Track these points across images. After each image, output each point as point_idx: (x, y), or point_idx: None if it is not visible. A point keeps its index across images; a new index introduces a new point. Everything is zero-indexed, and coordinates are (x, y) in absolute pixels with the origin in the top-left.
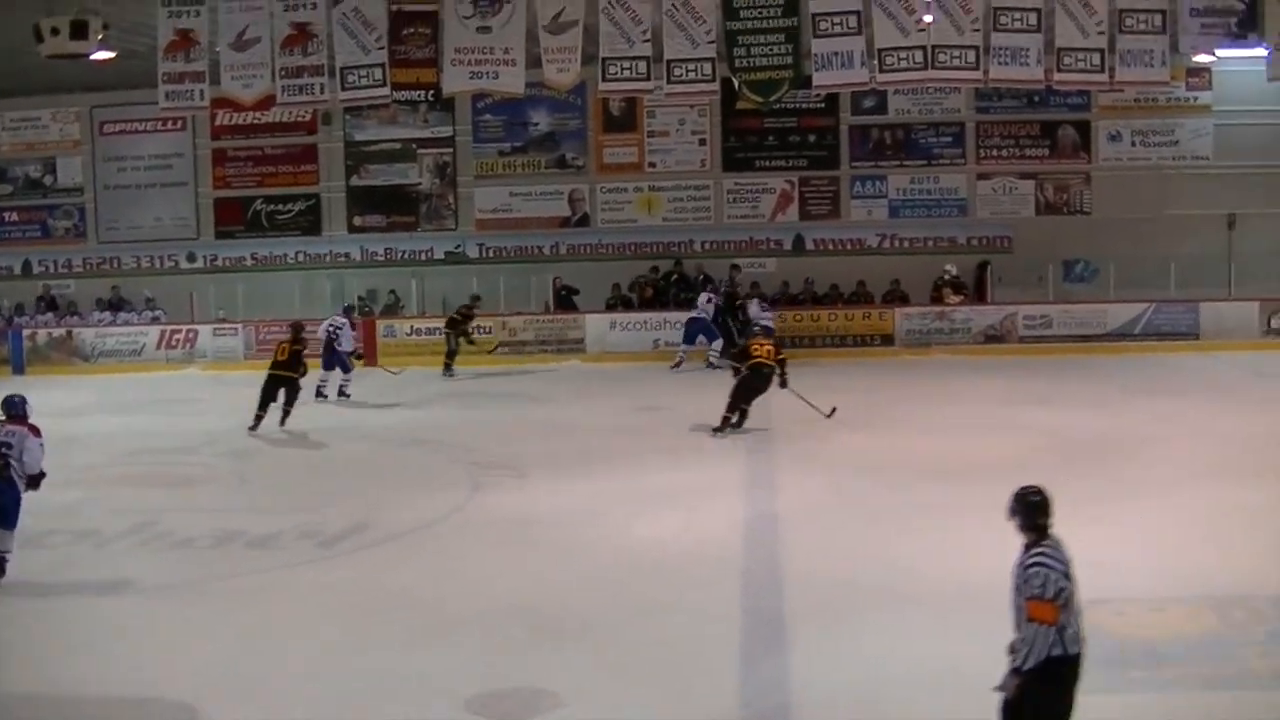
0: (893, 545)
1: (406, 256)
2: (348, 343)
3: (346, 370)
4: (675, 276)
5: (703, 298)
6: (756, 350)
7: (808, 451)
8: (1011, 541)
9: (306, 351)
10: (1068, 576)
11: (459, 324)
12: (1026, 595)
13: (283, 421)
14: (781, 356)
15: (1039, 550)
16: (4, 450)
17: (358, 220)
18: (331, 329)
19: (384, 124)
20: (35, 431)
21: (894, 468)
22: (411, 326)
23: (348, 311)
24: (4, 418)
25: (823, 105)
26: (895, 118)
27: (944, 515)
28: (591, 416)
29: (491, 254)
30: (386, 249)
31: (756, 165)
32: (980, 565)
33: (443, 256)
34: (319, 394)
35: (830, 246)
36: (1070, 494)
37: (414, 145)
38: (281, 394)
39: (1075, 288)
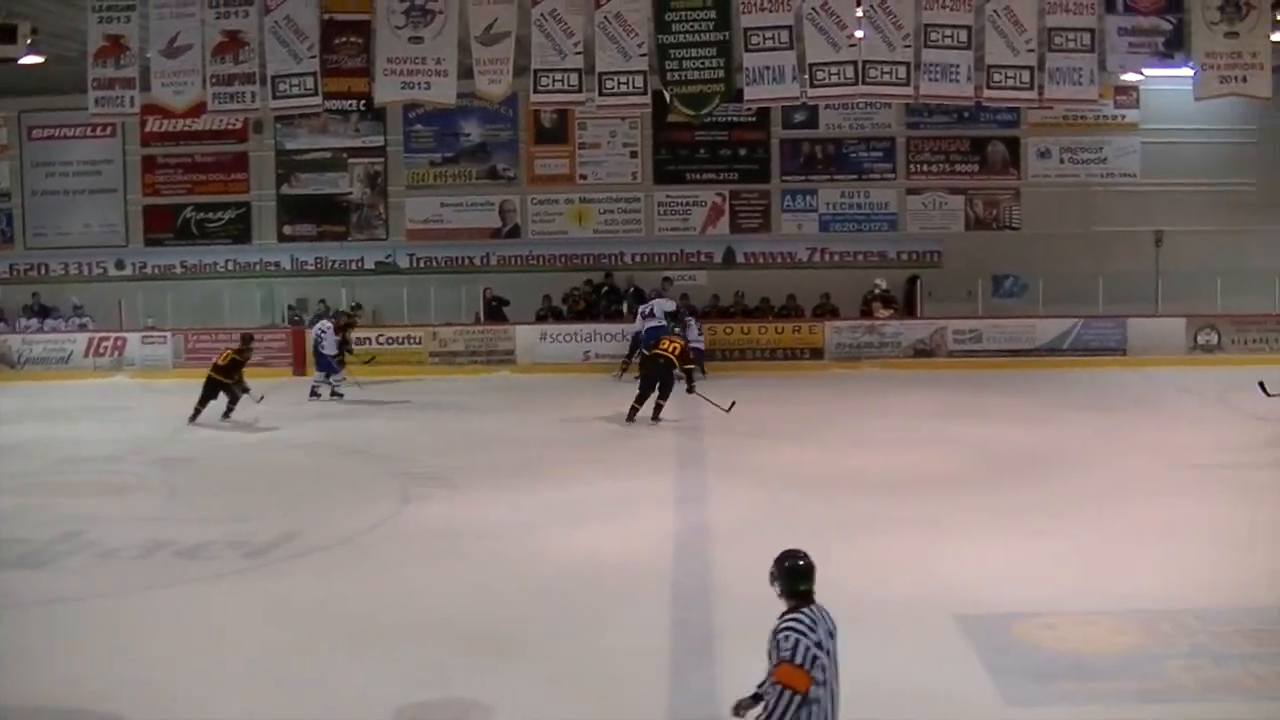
0: (821, 559)
1: (337, 266)
2: (331, 346)
3: (333, 371)
4: (606, 289)
5: (659, 305)
6: (664, 345)
7: (739, 464)
8: (940, 558)
9: (248, 363)
10: (821, 647)
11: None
12: (775, 659)
13: (225, 414)
14: (689, 366)
15: (793, 615)
16: None
17: (288, 229)
18: (318, 333)
19: (315, 133)
20: None
21: (825, 481)
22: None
23: (335, 316)
24: None
25: (754, 119)
26: (826, 132)
27: (873, 529)
28: (523, 428)
29: (422, 264)
30: (317, 258)
31: (687, 178)
32: (907, 579)
33: (373, 266)
34: (313, 393)
35: (761, 260)
36: (1003, 507)
37: (345, 155)
38: (222, 395)
39: (1005, 303)
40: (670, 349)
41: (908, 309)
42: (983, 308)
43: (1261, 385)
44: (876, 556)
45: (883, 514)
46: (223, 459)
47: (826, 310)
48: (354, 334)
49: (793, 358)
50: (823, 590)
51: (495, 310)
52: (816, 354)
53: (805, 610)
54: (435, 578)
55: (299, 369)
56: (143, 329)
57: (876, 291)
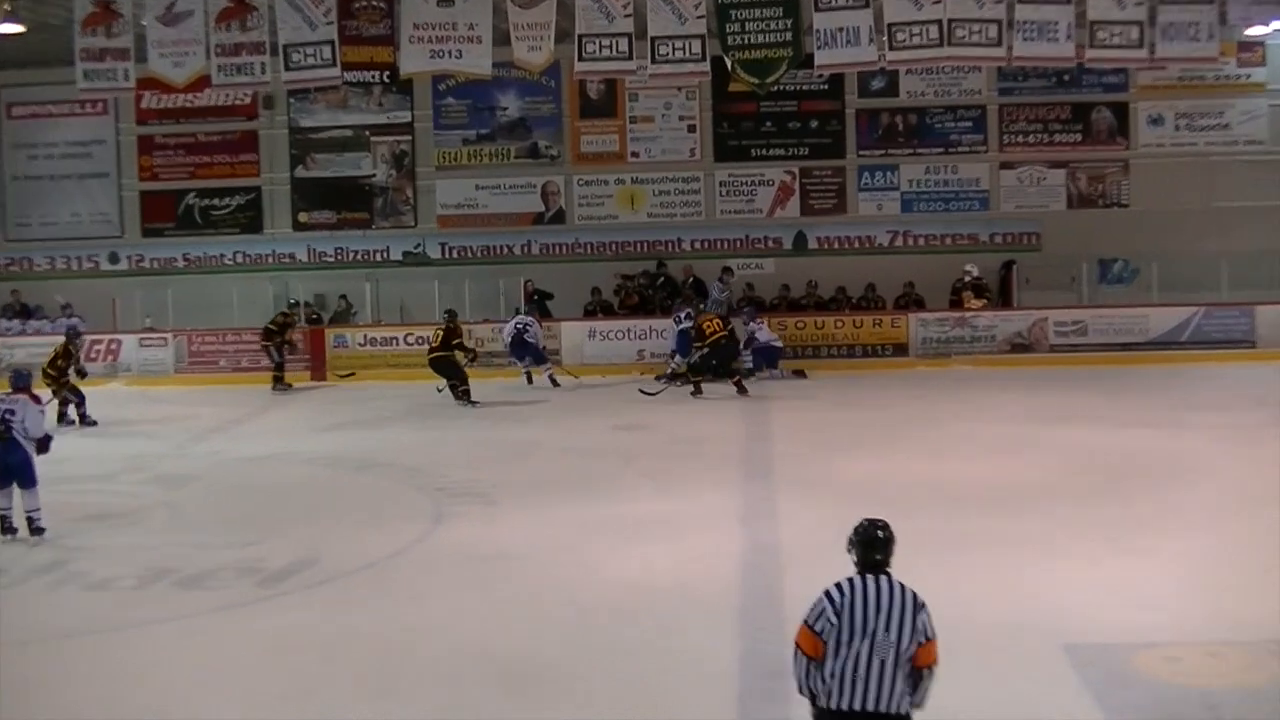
0: (910, 583)
1: (359, 257)
2: (537, 336)
3: (541, 360)
4: (661, 279)
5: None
6: (709, 327)
7: (811, 477)
8: (1044, 580)
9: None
10: (840, 615)
11: (274, 334)
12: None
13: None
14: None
15: (844, 580)
16: (7, 416)
17: (304, 217)
18: (520, 325)
19: (333, 109)
20: (36, 400)
21: (910, 495)
22: (365, 336)
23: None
24: (11, 389)
25: (826, 87)
26: (907, 101)
27: (967, 548)
28: (569, 436)
29: (455, 254)
30: (336, 249)
31: (752, 155)
32: (1007, 604)
33: (400, 257)
34: (529, 379)
35: (835, 245)
36: (1113, 523)
37: (367, 133)
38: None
39: (1112, 290)
40: (716, 326)
41: (1002, 298)
42: (1087, 296)
43: None
44: (971, 579)
45: (977, 531)
46: (230, 476)
47: (910, 301)
48: (295, 335)
49: (872, 354)
50: None
51: (538, 305)
52: (900, 350)
53: (857, 579)
54: (471, 606)
55: (317, 373)
56: (140, 331)
57: (967, 279)
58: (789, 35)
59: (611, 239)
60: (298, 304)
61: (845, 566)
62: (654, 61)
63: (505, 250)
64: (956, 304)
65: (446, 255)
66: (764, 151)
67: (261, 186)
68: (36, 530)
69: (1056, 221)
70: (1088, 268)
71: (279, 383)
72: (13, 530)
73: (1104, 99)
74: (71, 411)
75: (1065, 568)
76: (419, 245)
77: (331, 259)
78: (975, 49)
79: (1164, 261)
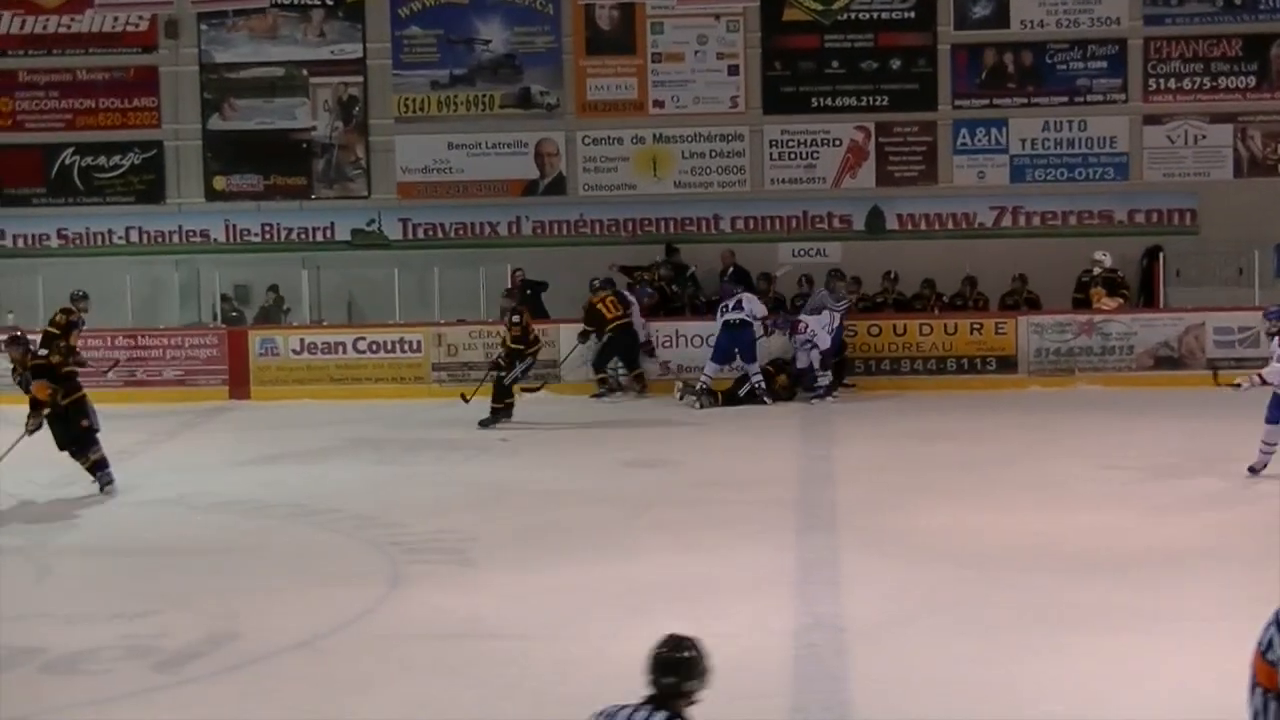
0: (1013, 673)
1: (294, 237)
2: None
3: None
4: (690, 271)
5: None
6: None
7: (886, 529)
8: (1190, 669)
9: None
10: None
11: (57, 337)
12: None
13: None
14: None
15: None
16: None
17: (220, 183)
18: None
19: (258, 39)
20: None
21: (1012, 555)
22: (301, 340)
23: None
24: None
25: (912, 15)
26: (1021, 33)
27: (1087, 626)
28: (565, 475)
29: (421, 233)
30: (264, 225)
31: (813, 105)
32: (1142, 697)
33: (349, 237)
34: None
35: (922, 225)
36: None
37: (304, 72)
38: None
39: None
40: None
41: (1144, 297)
42: (1261, 294)
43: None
44: (1092, 664)
45: (1101, 603)
46: (119, 526)
47: (1021, 300)
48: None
49: (970, 370)
50: (1005, 711)
51: (530, 301)
52: (1006, 365)
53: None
54: (437, 699)
55: (237, 389)
56: None
57: (1097, 271)
58: None
59: (626, 215)
60: (84, 295)
61: (926, 647)
62: None
63: (488, 229)
64: (1083, 304)
65: (409, 235)
66: (829, 101)
67: (163, 141)
68: None
69: (1220, 194)
70: (1261, 257)
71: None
72: None
73: None
74: None
75: (1218, 654)
76: (373, 222)
77: (257, 238)
78: None
79: None
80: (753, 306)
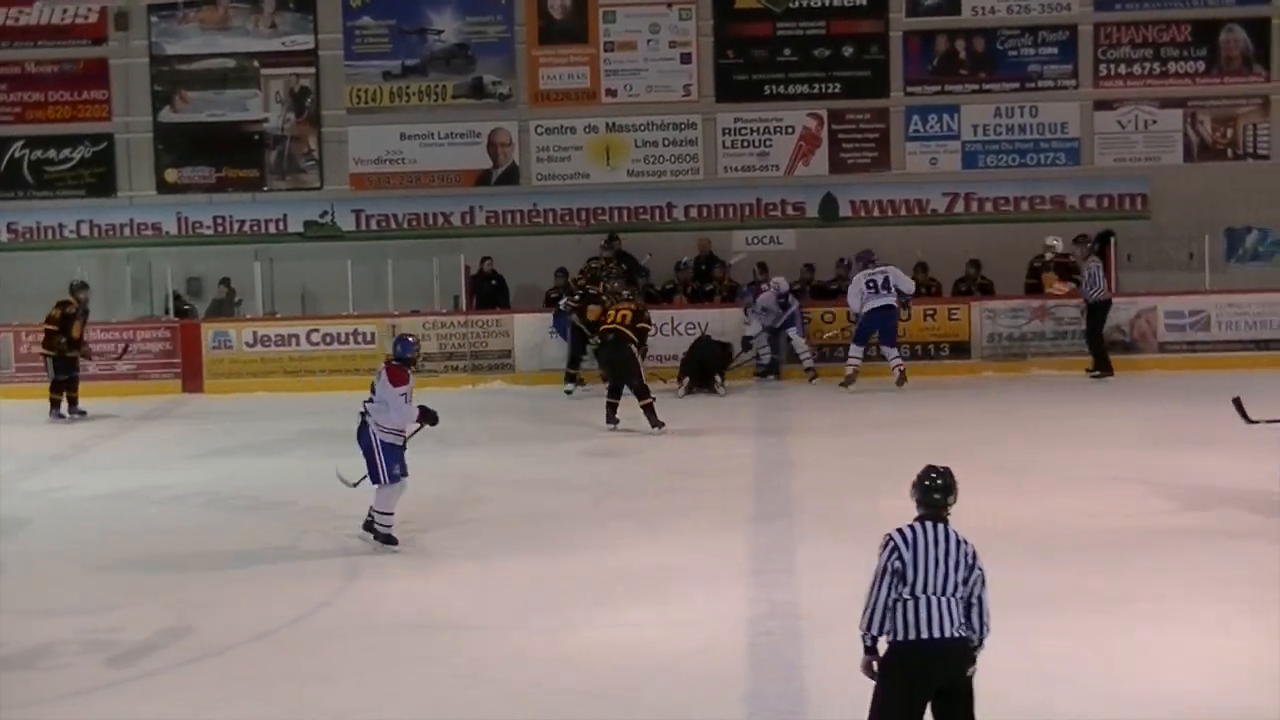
0: (984, 655)
1: (247, 229)
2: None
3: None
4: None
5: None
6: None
7: (844, 518)
8: (1152, 653)
9: None
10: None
11: (55, 333)
12: None
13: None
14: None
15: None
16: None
17: (172, 175)
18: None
19: (210, 31)
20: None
21: (977, 541)
22: (255, 333)
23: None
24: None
25: (864, 2)
26: (972, 20)
27: (1049, 611)
28: (525, 465)
29: (373, 225)
30: (216, 218)
31: (766, 93)
32: (1104, 684)
33: (301, 229)
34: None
35: (875, 211)
36: (1242, 578)
37: (255, 63)
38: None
39: (1245, 269)
40: (617, 318)
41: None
42: (1212, 278)
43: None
44: (1055, 651)
45: (1063, 589)
46: (74, 520)
47: (974, 285)
48: (80, 327)
49: (924, 356)
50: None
51: (485, 292)
52: (960, 350)
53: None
54: (399, 691)
55: (190, 382)
56: None
57: (1049, 256)
58: None
59: (580, 204)
60: (84, 284)
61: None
62: None
63: (440, 220)
64: (1035, 289)
65: (362, 226)
66: (782, 89)
67: (114, 134)
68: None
69: (1170, 179)
70: (1212, 241)
71: (65, 407)
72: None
73: (1237, 14)
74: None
75: (1185, 637)
76: (326, 213)
77: (209, 231)
78: None
79: None
80: (900, 282)
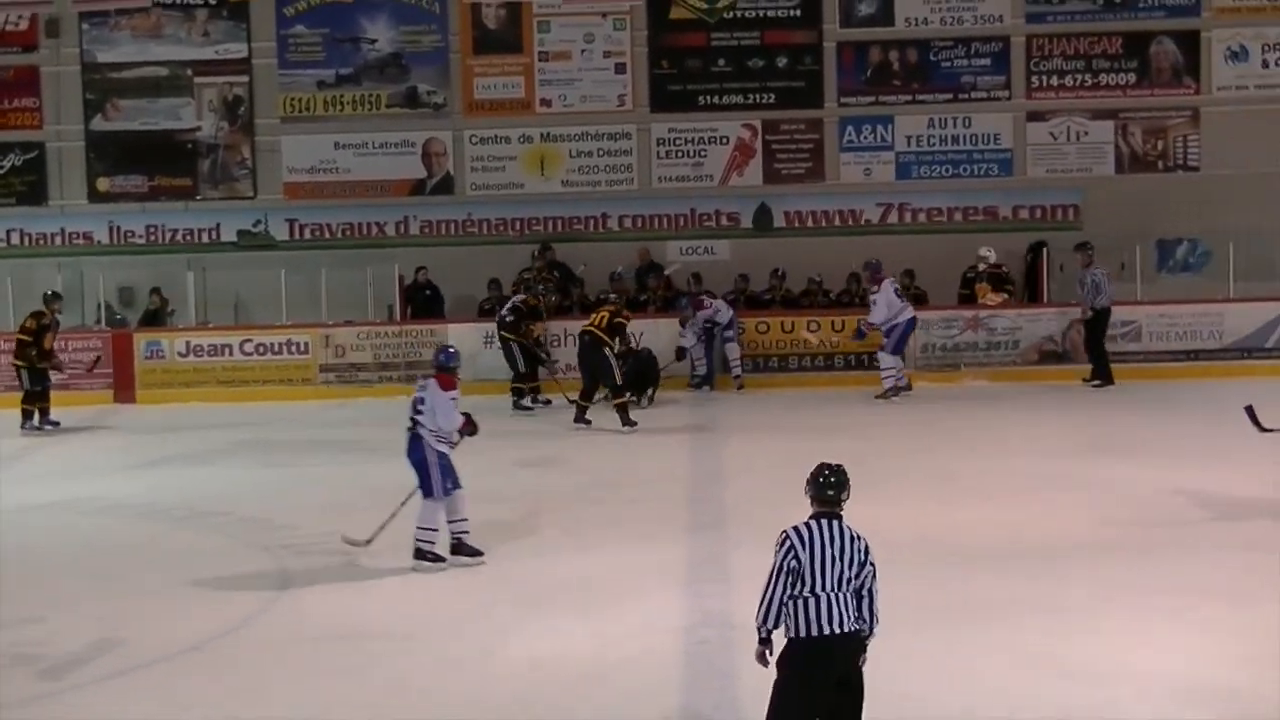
0: (898, 666)
1: (179, 238)
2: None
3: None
4: (558, 271)
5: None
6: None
7: (775, 527)
8: (1081, 660)
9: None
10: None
11: (27, 346)
12: None
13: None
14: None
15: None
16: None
17: (104, 184)
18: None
19: (142, 38)
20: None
21: (904, 551)
22: (188, 343)
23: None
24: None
25: (798, 13)
26: (905, 30)
27: (980, 619)
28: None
29: (307, 234)
30: (148, 227)
31: (700, 103)
32: (1031, 692)
33: (235, 238)
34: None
35: (810, 222)
36: (1166, 586)
37: (188, 71)
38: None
39: (1177, 280)
40: (596, 320)
41: (1029, 292)
42: (1143, 289)
43: (1251, 414)
44: (988, 659)
45: (995, 597)
46: (3, 530)
47: (909, 295)
48: (52, 339)
49: (857, 366)
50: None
51: (419, 301)
52: None
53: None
54: (330, 701)
55: (122, 393)
56: None
57: (982, 267)
58: None
59: (515, 214)
60: (56, 295)
61: None
62: None
63: (374, 229)
64: (969, 300)
65: (296, 235)
66: (716, 99)
67: (45, 142)
68: (419, 553)
69: (1102, 190)
70: (1143, 251)
71: (38, 418)
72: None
73: (1167, 26)
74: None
75: (1110, 644)
76: (259, 222)
77: (141, 240)
78: None
79: (1245, 242)
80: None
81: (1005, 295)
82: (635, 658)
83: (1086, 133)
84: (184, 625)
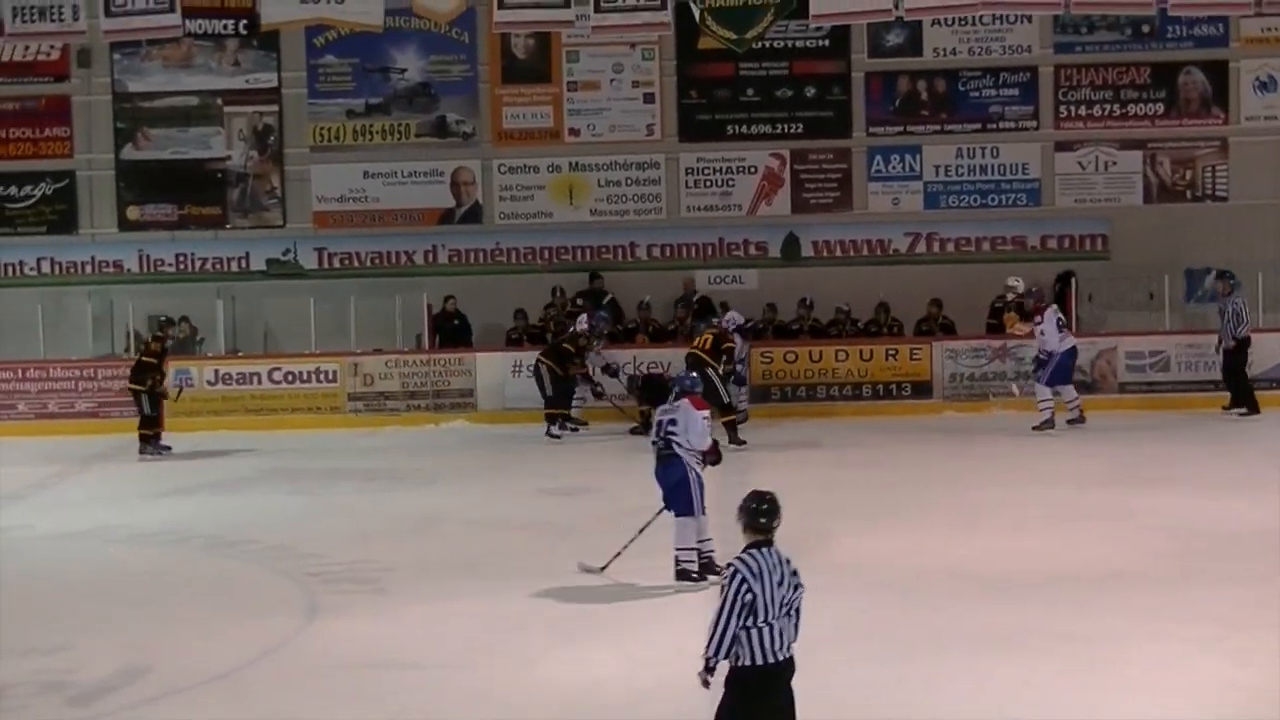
0: (935, 695)
1: (209, 267)
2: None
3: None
4: (608, 297)
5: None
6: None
7: (804, 555)
8: (1116, 691)
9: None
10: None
11: (150, 370)
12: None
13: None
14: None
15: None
16: (669, 428)
17: (134, 212)
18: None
19: (172, 68)
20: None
21: (932, 581)
22: (216, 371)
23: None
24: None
25: (826, 43)
26: (934, 61)
27: (1011, 650)
28: (482, 504)
29: (336, 263)
30: (178, 256)
31: (729, 133)
32: None
33: (264, 266)
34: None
35: (838, 251)
36: (1200, 617)
37: (219, 101)
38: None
39: (1206, 310)
40: (700, 343)
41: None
42: (1171, 319)
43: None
44: (1015, 691)
45: (1026, 627)
46: (30, 559)
47: (936, 325)
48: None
49: (886, 396)
50: None
51: (447, 330)
52: (921, 390)
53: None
54: None
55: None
56: None
57: (1010, 297)
58: None
59: (543, 243)
60: (171, 321)
61: (848, 672)
62: (599, 9)
63: (403, 258)
64: (997, 329)
65: (325, 264)
66: (744, 129)
67: (76, 171)
68: (683, 574)
69: (1130, 220)
70: (1171, 281)
71: (151, 443)
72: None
73: (1195, 57)
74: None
75: (1143, 675)
76: (288, 251)
77: (171, 269)
78: None
79: (1273, 272)
80: None
81: (1034, 325)
82: (665, 685)
83: (1115, 163)
84: (212, 653)
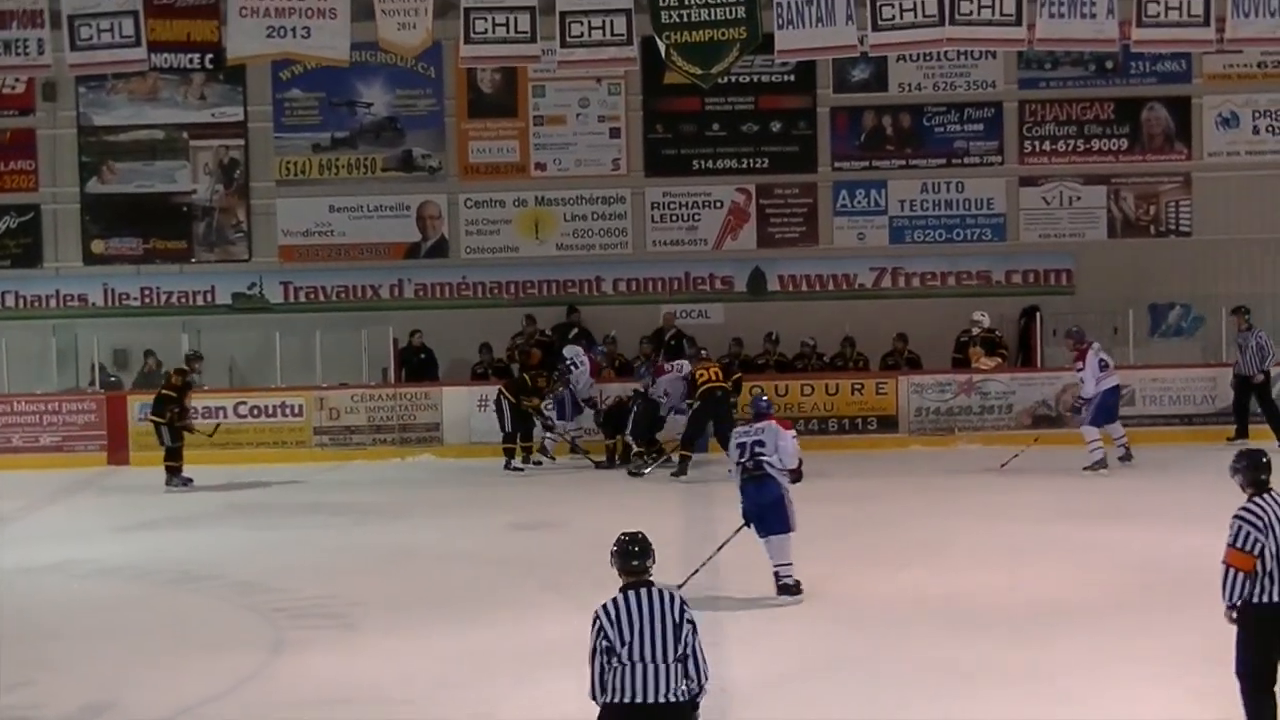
0: None
1: (174, 300)
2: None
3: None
4: (575, 331)
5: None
6: (703, 375)
7: (768, 590)
8: None
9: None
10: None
11: (171, 402)
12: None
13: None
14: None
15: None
16: (756, 449)
17: (99, 246)
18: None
19: (138, 102)
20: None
21: (899, 614)
22: (181, 406)
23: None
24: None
25: (792, 78)
26: (899, 96)
27: (975, 684)
28: (451, 538)
29: (302, 297)
30: (143, 289)
31: (695, 168)
32: None
33: (230, 300)
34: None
35: (804, 286)
36: (1172, 650)
37: (184, 134)
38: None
39: (1169, 344)
40: (714, 374)
41: (1022, 356)
42: (1136, 353)
43: None
44: None
45: (987, 661)
46: None
47: (902, 360)
48: (191, 398)
49: (852, 430)
50: None
51: (414, 364)
52: (887, 424)
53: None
54: None
55: (116, 455)
56: None
57: (976, 331)
58: (742, 11)
59: (509, 277)
60: (198, 355)
61: (813, 703)
62: (565, 44)
63: (369, 292)
64: (962, 364)
65: (291, 298)
66: (710, 163)
67: (41, 204)
68: (785, 588)
69: (1094, 255)
70: (1135, 316)
71: (176, 475)
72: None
73: (1159, 93)
74: None
75: (1106, 709)
76: (254, 285)
77: (136, 302)
78: (987, 28)
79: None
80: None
81: (999, 360)
82: None
83: (1079, 198)
84: (177, 688)
